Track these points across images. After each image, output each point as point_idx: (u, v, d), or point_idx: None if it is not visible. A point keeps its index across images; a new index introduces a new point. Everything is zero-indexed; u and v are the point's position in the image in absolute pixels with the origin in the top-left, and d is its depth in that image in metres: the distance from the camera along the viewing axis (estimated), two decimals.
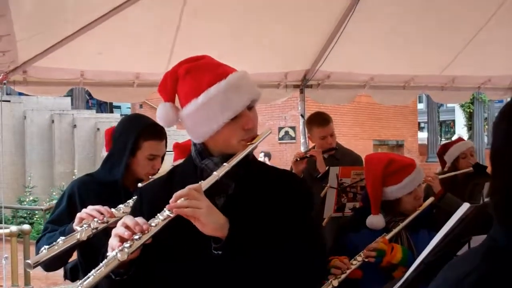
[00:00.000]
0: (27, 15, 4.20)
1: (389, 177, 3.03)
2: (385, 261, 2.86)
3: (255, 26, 5.35)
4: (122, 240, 1.72)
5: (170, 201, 1.78)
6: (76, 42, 4.81)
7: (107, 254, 1.72)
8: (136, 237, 1.71)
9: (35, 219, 14.71)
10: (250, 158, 2.01)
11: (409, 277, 2.43)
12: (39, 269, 2.39)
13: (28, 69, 5.08)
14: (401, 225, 2.99)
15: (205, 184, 1.85)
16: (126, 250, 1.67)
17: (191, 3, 4.79)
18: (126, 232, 1.71)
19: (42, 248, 2.15)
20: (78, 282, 1.64)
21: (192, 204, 1.77)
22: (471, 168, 5.02)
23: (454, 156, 5.17)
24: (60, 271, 3.20)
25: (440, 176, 4.95)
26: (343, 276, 2.85)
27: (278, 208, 1.94)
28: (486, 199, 4.20)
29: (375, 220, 3.06)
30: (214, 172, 1.89)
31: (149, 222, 1.76)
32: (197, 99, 1.92)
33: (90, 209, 2.52)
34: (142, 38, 5.14)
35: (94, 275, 1.65)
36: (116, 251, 1.67)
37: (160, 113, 2.02)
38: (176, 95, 2.02)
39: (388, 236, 2.95)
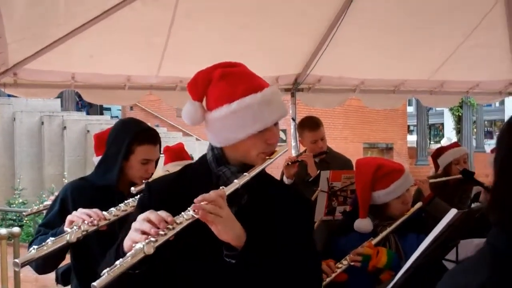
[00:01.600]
0: (19, 17, 4.21)
1: (378, 182, 3.06)
2: (370, 265, 2.89)
3: (246, 30, 5.37)
4: (146, 234, 1.73)
5: (195, 201, 1.80)
6: (67, 45, 4.82)
7: (130, 245, 1.73)
8: (162, 232, 1.72)
9: (24, 221, 14.62)
10: (262, 172, 2.04)
11: (398, 281, 2.46)
12: (29, 272, 2.39)
13: (18, 71, 5.07)
14: (388, 229, 3.02)
15: (226, 190, 1.88)
16: (152, 243, 1.68)
17: (183, 7, 4.80)
18: (152, 229, 1.72)
19: (31, 248, 2.15)
20: (105, 270, 1.63)
21: (215, 210, 1.79)
22: (459, 176, 4.99)
23: (447, 161, 5.19)
24: (51, 275, 3.19)
25: (431, 180, 4.97)
26: (328, 279, 2.88)
27: (286, 222, 1.98)
28: (473, 204, 4.24)
29: (363, 224, 3.09)
30: (235, 180, 1.92)
31: (174, 219, 1.77)
32: (230, 105, 1.94)
33: (80, 212, 2.53)
34: (133, 41, 5.15)
35: (120, 264, 1.65)
36: (143, 244, 1.68)
37: (188, 111, 2.03)
38: (205, 97, 2.04)
39: (374, 241, 2.97)
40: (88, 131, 17.66)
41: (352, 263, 2.91)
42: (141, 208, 1.99)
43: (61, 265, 3.06)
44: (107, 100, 6.60)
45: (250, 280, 1.87)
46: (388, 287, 2.49)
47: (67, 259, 2.98)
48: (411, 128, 33.10)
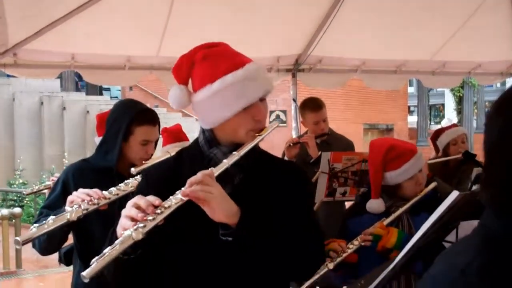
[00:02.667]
0: None
1: (389, 163, 3.05)
2: (379, 245, 2.90)
3: (248, 10, 5.34)
4: (134, 220, 1.73)
5: (184, 187, 1.80)
6: (67, 25, 4.80)
7: (121, 233, 1.73)
8: (150, 217, 1.72)
9: (25, 202, 14.67)
10: (256, 149, 2.04)
11: (399, 261, 2.46)
12: (30, 252, 2.40)
13: (18, 51, 5.05)
14: (400, 210, 3.01)
15: (215, 170, 1.87)
16: (140, 229, 1.68)
17: None
18: (139, 214, 1.72)
19: (32, 227, 2.16)
20: (94, 259, 1.64)
21: (205, 189, 1.79)
22: (460, 155, 5.00)
23: (445, 142, 5.18)
24: (52, 256, 3.21)
25: (430, 161, 4.97)
26: (338, 259, 2.89)
27: (281, 199, 1.97)
28: (474, 186, 4.25)
29: (375, 205, 3.09)
30: (224, 160, 1.91)
31: (162, 204, 1.77)
32: (212, 85, 1.95)
33: (80, 191, 2.54)
34: (133, 21, 5.13)
35: (109, 252, 1.65)
36: (131, 230, 1.68)
37: (174, 95, 2.04)
38: (190, 79, 2.05)
39: (386, 221, 2.97)
40: (87, 111, 17.65)
41: (363, 243, 2.92)
42: (137, 195, 1.99)
43: (63, 245, 3.08)
44: (107, 81, 6.58)
45: (247, 260, 1.87)
46: (390, 267, 2.49)
47: (70, 240, 2.99)
48: (412, 109, 33.06)
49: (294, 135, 6.19)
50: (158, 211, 1.74)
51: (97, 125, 3.95)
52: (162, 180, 2.03)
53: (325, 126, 5.08)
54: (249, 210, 1.85)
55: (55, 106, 17.72)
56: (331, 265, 2.87)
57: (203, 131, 2.07)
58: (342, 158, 4.63)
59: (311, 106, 5.09)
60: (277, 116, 18.49)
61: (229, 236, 1.83)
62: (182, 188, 1.80)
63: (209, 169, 1.87)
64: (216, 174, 1.86)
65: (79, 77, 5.77)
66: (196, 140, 2.10)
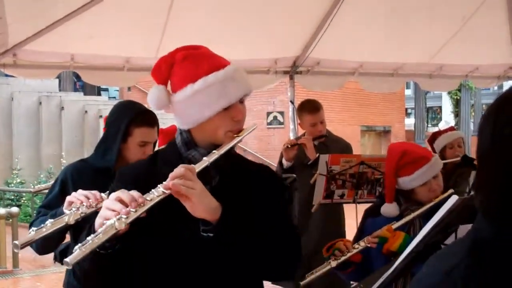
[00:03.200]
0: None
1: (402, 168, 3.07)
2: (385, 248, 2.92)
3: (246, 12, 5.36)
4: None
5: (166, 181, 1.80)
6: (67, 26, 4.81)
7: (101, 223, 1.73)
8: (133, 209, 1.72)
9: (22, 201, 14.67)
10: (232, 153, 2.05)
11: (399, 265, 2.48)
12: (27, 251, 2.41)
13: (18, 52, 5.06)
14: (412, 214, 3.02)
15: (196, 167, 1.89)
16: (123, 219, 1.68)
17: None
18: (123, 209, 1.72)
19: (30, 230, 2.17)
20: (77, 246, 1.64)
21: (187, 183, 1.80)
22: (458, 158, 5.07)
23: (442, 145, 5.24)
24: (49, 255, 3.23)
25: None
26: (342, 258, 2.93)
27: (258, 201, 2.00)
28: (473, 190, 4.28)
29: (388, 209, 3.12)
30: (204, 158, 1.92)
31: (144, 196, 1.78)
32: (194, 84, 1.95)
33: (79, 193, 2.54)
34: (133, 22, 5.14)
35: (92, 240, 1.66)
36: (114, 220, 1.68)
37: (153, 96, 2.03)
38: (169, 80, 2.05)
39: (396, 225, 2.98)
40: (85, 111, 17.65)
41: (368, 245, 2.94)
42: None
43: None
44: (105, 81, 6.60)
45: (226, 256, 1.88)
46: (389, 271, 2.51)
47: (67, 238, 3.01)
48: (409, 111, 33.08)
49: (291, 136, 6.21)
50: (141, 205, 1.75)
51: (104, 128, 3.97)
52: (136, 181, 2.01)
53: (323, 128, 5.10)
54: (229, 208, 1.87)
55: (53, 106, 17.73)
56: (334, 263, 2.92)
57: (180, 132, 2.07)
58: (340, 161, 4.65)
59: (309, 108, 5.11)
60: (275, 118, 18.52)
61: (210, 232, 1.84)
62: (164, 182, 1.81)
63: (190, 165, 1.88)
64: (197, 170, 1.87)
65: (78, 77, 5.78)
66: (173, 142, 2.10)
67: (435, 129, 5.97)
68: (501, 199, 1.08)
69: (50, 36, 4.89)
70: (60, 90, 19.55)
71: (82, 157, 3.37)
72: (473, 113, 28.61)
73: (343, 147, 5.16)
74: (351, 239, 3.17)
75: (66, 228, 2.42)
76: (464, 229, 2.49)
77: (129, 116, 2.98)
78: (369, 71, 6.66)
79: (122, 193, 1.78)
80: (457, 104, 26.67)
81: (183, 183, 1.79)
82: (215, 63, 2.01)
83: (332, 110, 18.26)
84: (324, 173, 4.60)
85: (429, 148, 5.53)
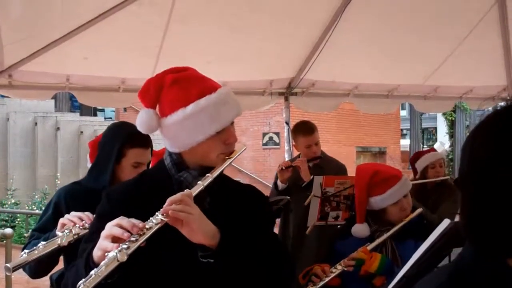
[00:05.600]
0: (15, 19, 4.22)
1: (374, 188, 3.08)
2: (362, 270, 2.92)
3: (241, 33, 5.38)
4: (115, 241, 1.71)
5: (164, 205, 1.79)
6: (63, 47, 4.81)
7: (99, 255, 1.72)
8: (132, 238, 1.71)
9: (16, 222, 14.59)
10: (221, 174, 2.04)
11: None
12: (21, 274, 2.39)
13: (13, 72, 5.06)
14: (385, 235, 3.03)
15: (193, 192, 1.87)
16: (124, 251, 1.67)
17: (178, 11, 4.81)
18: (125, 233, 1.71)
19: (22, 253, 2.16)
20: (80, 282, 1.63)
21: (186, 209, 1.79)
22: (438, 179, 5.31)
23: (424, 165, 5.41)
24: (44, 278, 3.19)
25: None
26: (321, 283, 2.91)
27: (248, 222, 1.99)
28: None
29: (360, 229, 3.12)
30: (199, 182, 1.91)
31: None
32: (186, 108, 1.93)
33: (72, 215, 2.54)
34: (128, 43, 5.15)
35: (95, 275, 1.64)
36: (115, 252, 1.67)
37: (142, 119, 2.01)
38: (158, 104, 2.03)
39: (370, 246, 2.99)
40: (81, 132, 17.65)
41: (345, 268, 2.93)
42: (100, 217, 1.97)
43: (55, 270, 3.06)
44: (101, 103, 6.60)
45: (226, 279, 1.87)
46: None
47: (61, 263, 2.98)
48: (404, 132, 33.14)
49: (287, 157, 6.21)
50: (141, 232, 1.73)
51: (90, 152, 3.96)
52: (125, 202, 1.99)
53: (317, 150, 5.10)
54: (226, 232, 1.86)
55: (49, 126, 17.72)
56: None
57: (169, 154, 2.05)
58: (334, 182, 4.65)
59: (303, 130, 5.11)
60: (270, 138, 18.52)
61: (210, 258, 1.82)
62: (161, 208, 1.79)
63: (186, 190, 1.87)
64: (193, 195, 1.86)
65: (74, 97, 5.78)
66: (162, 163, 2.08)
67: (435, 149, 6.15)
68: (480, 224, 1.09)
69: (46, 57, 4.89)
70: (56, 111, 19.55)
71: (77, 177, 3.36)
72: (468, 134, 28.66)
73: (337, 169, 5.15)
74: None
75: (59, 250, 2.41)
76: (458, 253, 2.48)
77: (123, 137, 2.98)
78: (364, 92, 6.69)
79: (121, 220, 1.76)
80: (452, 125, 26.73)
81: (182, 208, 1.78)
82: (206, 86, 1.99)
83: (328, 131, 18.28)
84: (319, 194, 4.60)
85: (412, 168, 5.66)
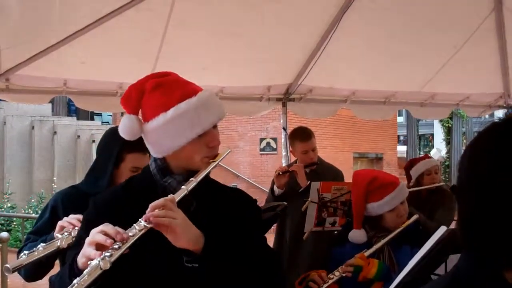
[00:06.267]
0: (13, 24, 4.22)
1: (371, 194, 3.09)
2: (361, 276, 2.92)
3: (239, 40, 5.39)
4: (99, 248, 1.71)
5: (147, 211, 1.78)
6: (60, 51, 4.81)
7: (83, 262, 1.71)
8: (115, 246, 1.70)
9: (12, 226, 14.55)
10: (207, 177, 2.04)
11: None
12: (17, 278, 2.39)
13: (11, 76, 5.06)
14: (382, 241, 3.04)
15: (176, 197, 1.87)
16: (107, 258, 1.66)
17: (176, 16, 4.82)
18: (108, 240, 1.70)
19: (22, 254, 2.16)
20: None
21: (169, 214, 1.78)
22: (434, 185, 5.29)
23: (420, 172, 5.39)
24: (39, 281, 3.18)
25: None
26: None
27: (236, 226, 1.98)
28: None
29: (357, 235, 3.13)
30: (183, 187, 1.91)
31: (126, 232, 1.75)
32: (167, 113, 1.93)
33: (71, 217, 2.53)
34: (126, 48, 5.16)
35: (78, 283, 1.63)
36: (98, 260, 1.66)
37: (125, 125, 2.01)
38: (140, 109, 2.03)
39: (367, 252, 3.00)
40: (78, 136, 17.62)
41: (343, 274, 2.93)
42: (86, 224, 1.96)
43: (54, 273, 3.05)
44: (98, 107, 6.59)
45: (212, 285, 1.86)
46: None
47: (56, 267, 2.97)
48: (401, 138, 33.18)
49: (284, 163, 6.22)
50: (124, 239, 1.73)
51: None
52: (111, 208, 1.99)
53: (314, 156, 5.11)
54: (210, 236, 1.85)
55: (46, 130, 17.69)
56: None
57: (154, 159, 2.05)
58: (331, 188, 4.66)
59: (300, 136, 5.12)
60: (268, 144, 18.51)
61: (195, 263, 1.82)
62: (145, 215, 1.79)
63: (169, 195, 1.86)
64: (176, 200, 1.86)
65: (71, 101, 5.77)
66: (147, 169, 2.08)
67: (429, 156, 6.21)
68: (478, 234, 1.09)
69: (43, 62, 4.89)
70: (53, 115, 19.52)
71: (74, 181, 3.36)
72: (464, 141, 28.66)
73: (334, 175, 5.16)
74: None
75: (57, 252, 2.41)
76: (454, 259, 2.49)
77: (122, 141, 2.97)
78: (361, 99, 6.71)
79: (106, 227, 1.75)
80: (449, 132, 26.77)
81: (165, 214, 1.77)
82: (187, 90, 1.99)
83: (325, 137, 18.28)
84: (316, 200, 4.60)
85: (405, 175, 5.66)
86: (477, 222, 1.09)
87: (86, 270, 1.67)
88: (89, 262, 1.69)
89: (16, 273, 2.72)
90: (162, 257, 1.87)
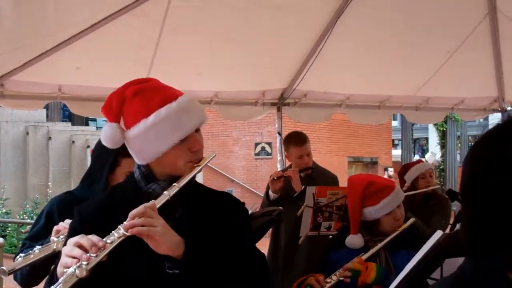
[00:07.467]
0: (7, 29, 4.21)
1: (368, 198, 3.09)
2: (359, 280, 2.92)
3: (233, 45, 5.40)
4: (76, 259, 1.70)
5: (126, 220, 1.78)
6: (55, 57, 4.81)
7: (63, 271, 1.70)
8: (93, 254, 1.69)
9: (7, 232, 14.49)
10: (193, 182, 2.03)
11: None
12: (11, 283, 2.38)
13: (5, 82, 5.05)
14: (379, 245, 3.04)
15: (157, 203, 1.87)
16: (84, 266, 1.65)
17: (171, 22, 4.82)
18: (83, 255, 1.69)
19: (18, 256, 2.15)
20: None
21: (148, 222, 1.78)
22: (429, 188, 5.25)
23: (415, 176, 5.36)
24: None
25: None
26: None
27: (222, 230, 1.98)
28: (458, 224, 4.32)
29: (354, 240, 3.13)
30: (165, 192, 1.91)
31: (104, 240, 1.75)
32: (147, 119, 1.93)
33: (67, 222, 2.53)
34: (121, 53, 5.15)
35: None
36: (74, 268, 1.65)
37: (106, 133, 2.00)
38: (122, 117, 2.02)
39: (364, 256, 3.00)
40: (73, 141, 17.57)
41: (341, 278, 2.93)
42: (71, 233, 1.96)
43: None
44: (93, 113, 6.56)
45: None
46: None
47: None
48: (396, 142, 33.24)
49: (279, 167, 6.22)
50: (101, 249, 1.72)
51: None
52: (96, 217, 1.99)
53: (309, 160, 5.11)
54: (192, 242, 1.84)
55: (41, 135, 17.63)
56: None
57: (138, 166, 2.04)
58: (326, 193, 4.65)
59: (295, 140, 5.12)
60: (262, 149, 18.52)
61: (175, 269, 1.81)
62: (124, 222, 1.78)
63: (151, 201, 1.86)
64: (158, 206, 1.85)
65: (65, 107, 5.76)
66: (132, 176, 2.07)
67: (422, 160, 6.22)
68: (479, 235, 1.09)
69: (38, 67, 4.88)
70: (47, 120, 19.47)
71: (69, 187, 3.36)
72: (459, 145, 28.78)
73: (329, 179, 5.16)
74: None
75: (53, 256, 2.41)
76: (450, 263, 2.50)
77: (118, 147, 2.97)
78: (356, 103, 6.73)
79: (81, 238, 1.74)
80: (443, 136, 26.82)
81: (144, 222, 1.77)
82: (167, 95, 1.99)
83: (320, 141, 18.30)
84: (311, 205, 4.60)
85: (399, 180, 5.67)
86: (477, 222, 1.09)
87: (61, 278, 1.66)
88: (65, 270, 1.68)
89: (11, 278, 2.72)
90: (144, 261, 1.87)
